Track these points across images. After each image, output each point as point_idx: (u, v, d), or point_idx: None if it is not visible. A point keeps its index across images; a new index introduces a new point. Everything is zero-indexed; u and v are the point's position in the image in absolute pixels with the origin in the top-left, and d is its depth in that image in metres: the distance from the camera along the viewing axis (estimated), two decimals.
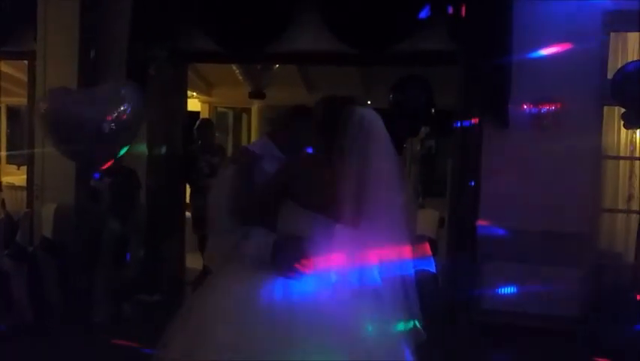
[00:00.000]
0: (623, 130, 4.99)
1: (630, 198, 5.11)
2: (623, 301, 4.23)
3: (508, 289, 4.56)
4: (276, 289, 1.97)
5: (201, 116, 7.71)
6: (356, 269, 2.03)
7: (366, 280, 2.04)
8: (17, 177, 7.16)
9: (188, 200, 6.06)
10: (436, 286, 4.61)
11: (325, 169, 2.05)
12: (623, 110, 4.50)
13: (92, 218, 4.80)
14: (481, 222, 4.64)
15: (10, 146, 8.27)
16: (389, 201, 2.06)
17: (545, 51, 4.54)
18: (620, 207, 5.13)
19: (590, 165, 4.62)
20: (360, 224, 2.02)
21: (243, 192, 2.24)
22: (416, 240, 2.33)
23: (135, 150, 4.79)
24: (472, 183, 4.64)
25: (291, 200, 2.08)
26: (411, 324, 2.20)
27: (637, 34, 4.91)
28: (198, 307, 2.09)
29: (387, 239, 2.07)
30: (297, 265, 1.98)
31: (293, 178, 2.11)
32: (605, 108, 4.79)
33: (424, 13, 4.62)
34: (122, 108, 4.29)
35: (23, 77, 6.14)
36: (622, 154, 5.14)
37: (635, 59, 4.75)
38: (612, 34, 4.75)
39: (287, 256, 2.00)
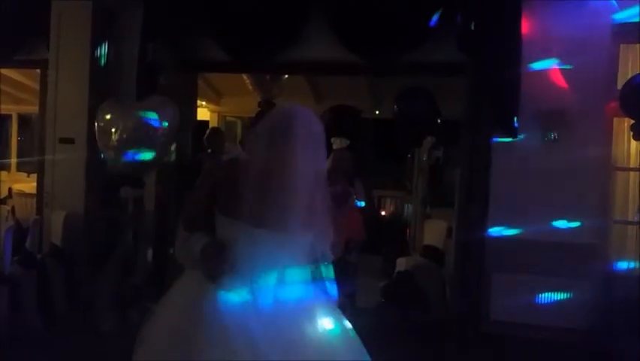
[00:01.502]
0: (633, 141, 4.97)
1: None
2: (634, 313, 4.19)
3: (516, 301, 4.53)
4: (205, 301, 1.94)
5: (210, 125, 7.75)
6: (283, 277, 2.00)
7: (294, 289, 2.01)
8: (27, 184, 7.21)
9: None
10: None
11: (241, 173, 1.95)
12: (632, 121, 4.48)
13: (109, 226, 4.85)
14: (489, 233, 4.63)
15: (21, 153, 8.34)
16: (313, 204, 1.98)
17: (555, 62, 4.54)
18: (631, 218, 5.09)
19: (600, 177, 4.60)
20: (287, 229, 1.95)
21: (189, 199, 2.25)
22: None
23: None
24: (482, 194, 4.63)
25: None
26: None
27: None
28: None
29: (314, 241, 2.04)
30: (216, 272, 1.94)
31: (213, 184, 2.07)
32: (615, 120, 4.77)
33: (432, 24, 4.64)
34: (168, 121, 4.57)
35: (35, 86, 6.20)
36: (632, 165, 5.11)
37: None
38: (622, 46, 4.74)
39: (207, 263, 1.97)
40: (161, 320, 2.08)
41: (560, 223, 4.52)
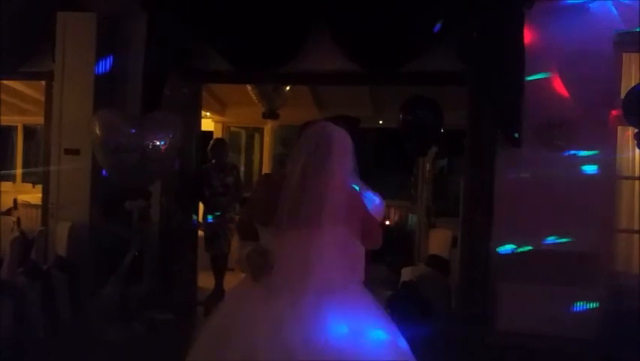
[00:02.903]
0: (637, 150, 4.96)
1: None
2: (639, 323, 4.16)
3: (522, 311, 4.50)
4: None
5: (214, 136, 7.77)
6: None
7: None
8: (32, 195, 7.23)
9: (201, 219, 6.09)
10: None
11: (270, 187, 2.38)
12: (636, 130, 4.47)
13: (114, 239, 4.87)
14: (494, 243, 4.62)
15: (26, 164, 8.37)
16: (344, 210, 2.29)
17: (558, 71, 4.55)
18: (636, 227, 5.07)
19: (604, 185, 4.59)
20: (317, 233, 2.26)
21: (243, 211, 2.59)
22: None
23: None
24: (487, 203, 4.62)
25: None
26: None
27: None
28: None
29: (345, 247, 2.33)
30: (259, 274, 2.28)
31: (252, 200, 2.59)
32: (619, 129, 4.77)
33: (434, 33, 4.66)
34: (170, 135, 4.67)
35: (40, 97, 6.24)
36: (636, 174, 5.10)
37: None
38: (624, 55, 4.75)
39: (252, 266, 2.30)
40: (214, 320, 2.35)
41: (565, 233, 4.50)
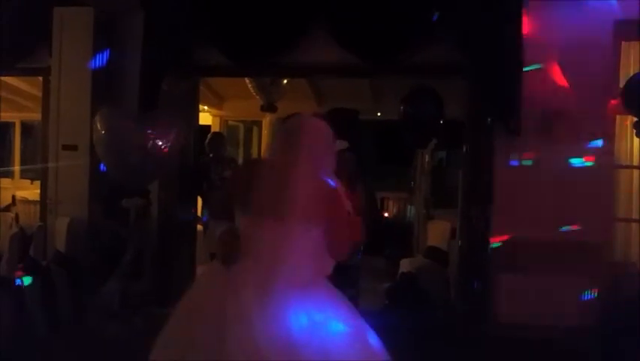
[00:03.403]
0: (636, 139, 4.96)
1: None
2: (638, 312, 4.17)
3: (520, 301, 4.51)
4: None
5: (212, 130, 7.76)
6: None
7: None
8: (31, 191, 7.22)
9: (199, 213, 6.09)
10: None
11: (253, 172, 2.35)
12: (635, 119, 4.47)
13: (112, 236, 4.87)
14: (493, 233, 4.62)
15: (24, 160, 8.36)
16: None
17: (556, 60, 4.54)
18: (635, 216, 5.07)
19: (602, 175, 4.59)
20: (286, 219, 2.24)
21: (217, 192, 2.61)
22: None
23: None
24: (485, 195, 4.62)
25: None
26: None
27: None
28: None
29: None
30: (229, 256, 2.26)
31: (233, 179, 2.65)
32: (618, 118, 4.76)
33: (432, 25, 4.64)
34: (172, 134, 4.67)
35: (38, 93, 6.22)
36: (635, 163, 5.10)
37: None
38: (623, 44, 4.73)
39: (222, 247, 2.29)
40: (180, 310, 2.37)
41: (564, 222, 4.50)
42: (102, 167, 4.84)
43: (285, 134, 2.42)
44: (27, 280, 4.36)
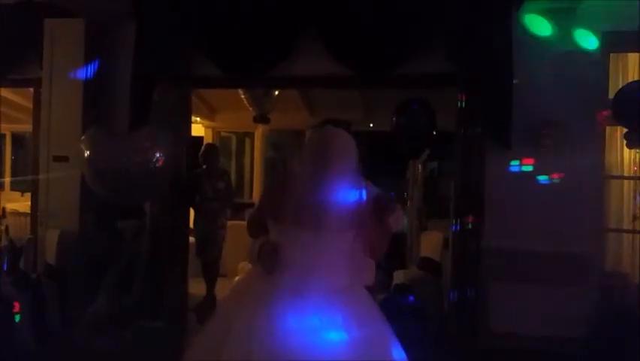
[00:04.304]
0: (626, 150, 4.99)
1: (635, 217, 5.07)
2: (630, 322, 4.18)
3: (514, 312, 4.51)
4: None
5: (205, 141, 7.75)
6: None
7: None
8: (21, 203, 7.17)
9: (192, 225, 6.06)
10: None
11: (287, 185, 2.43)
12: (625, 129, 4.50)
13: (104, 251, 4.84)
14: (485, 244, 4.62)
15: (15, 172, 8.31)
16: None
17: (546, 72, 4.57)
18: (626, 227, 5.10)
19: (593, 185, 4.61)
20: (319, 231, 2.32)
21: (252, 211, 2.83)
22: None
23: None
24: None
25: None
26: None
27: (637, 54, 4.95)
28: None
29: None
30: (269, 267, 2.36)
31: (267, 192, 2.75)
32: (608, 128, 4.80)
33: (424, 36, 4.67)
34: (158, 153, 4.66)
35: (28, 104, 6.20)
36: (626, 174, 5.13)
37: (636, 79, 4.77)
38: (612, 55, 4.78)
39: (263, 260, 2.39)
40: (215, 317, 2.47)
41: (555, 233, 4.51)
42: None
43: (316, 146, 2.51)
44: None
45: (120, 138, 4.75)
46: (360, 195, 2.45)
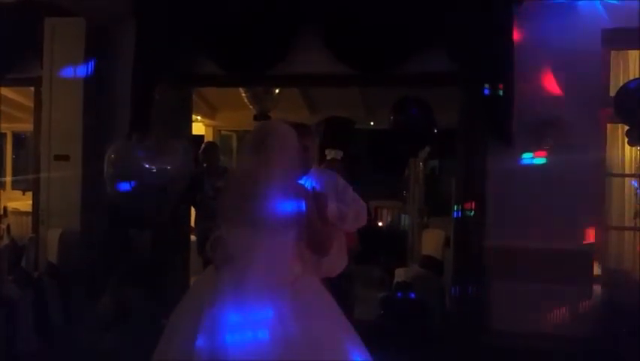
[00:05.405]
0: (628, 147, 4.99)
1: (637, 215, 5.08)
2: (631, 320, 4.18)
3: (515, 310, 4.51)
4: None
5: (205, 140, 7.74)
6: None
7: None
8: (23, 202, 7.18)
9: (193, 223, 6.06)
10: None
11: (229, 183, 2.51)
12: (626, 127, 4.50)
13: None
14: (487, 242, 4.62)
15: (16, 171, 8.32)
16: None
17: (547, 69, 4.57)
18: (627, 224, 5.10)
19: (595, 183, 4.61)
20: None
21: None
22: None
23: None
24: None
25: None
26: None
27: (638, 52, 4.94)
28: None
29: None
30: (216, 261, 2.37)
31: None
32: (609, 126, 4.80)
33: (424, 34, 4.66)
34: (180, 163, 4.70)
35: (29, 103, 6.20)
36: (627, 171, 5.13)
37: (637, 76, 4.77)
38: (613, 53, 4.77)
39: (212, 253, 2.41)
40: (180, 304, 2.48)
41: (557, 230, 4.51)
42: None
43: (252, 141, 2.44)
44: None
45: (146, 148, 4.76)
46: (299, 190, 2.40)
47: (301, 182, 2.59)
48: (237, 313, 2.19)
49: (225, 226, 2.37)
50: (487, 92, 4.55)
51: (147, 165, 4.56)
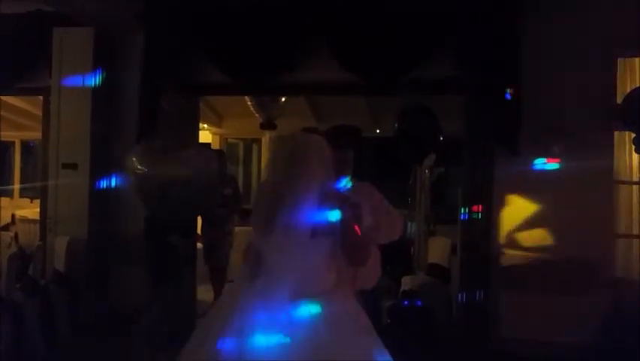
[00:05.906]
0: (635, 155, 4.97)
1: None
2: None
3: (522, 318, 4.49)
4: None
5: (212, 148, 7.77)
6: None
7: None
8: (30, 210, 7.22)
9: (199, 231, 6.07)
10: None
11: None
12: (633, 135, 4.48)
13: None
14: (494, 249, 4.61)
15: (24, 179, 8.37)
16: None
17: (554, 77, 4.56)
18: (635, 232, 5.06)
19: (603, 191, 4.59)
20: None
21: None
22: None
23: None
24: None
25: None
26: None
27: None
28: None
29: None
30: (251, 271, 2.36)
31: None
32: (616, 134, 4.78)
33: (432, 43, 4.67)
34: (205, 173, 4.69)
35: (38, 112, 6.24)
36: (635, 179, 5.10)
37: None
38: (619, 60, 4.77)
39: (246, 263, 2.45)
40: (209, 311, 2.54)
41: (564, 239, 4.49)
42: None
43: (284, 152, 2.44)
44: None
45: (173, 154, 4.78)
46: (335, 200, 2.38)
47: (338, 192, 2.56)
48: (268, 318, 2.21)
49: (260, 236, 2.39)
50: (493, 99, 4.55)
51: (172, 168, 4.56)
